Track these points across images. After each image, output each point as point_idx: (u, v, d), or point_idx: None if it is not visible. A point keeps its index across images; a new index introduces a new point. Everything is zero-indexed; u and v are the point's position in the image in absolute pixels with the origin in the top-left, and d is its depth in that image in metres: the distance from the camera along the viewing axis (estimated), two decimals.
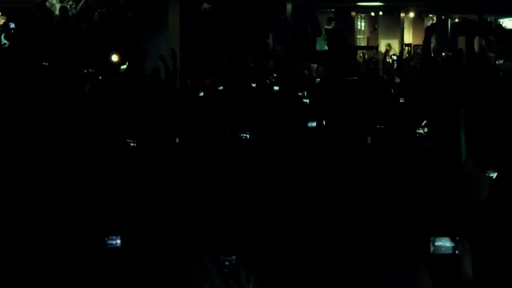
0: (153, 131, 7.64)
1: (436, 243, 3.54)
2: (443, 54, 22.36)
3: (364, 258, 3.61)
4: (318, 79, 11.98)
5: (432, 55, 21.80)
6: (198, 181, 5.61)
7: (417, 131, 7.48)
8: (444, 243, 3.54)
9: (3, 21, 15.72)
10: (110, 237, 4.04)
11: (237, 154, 6.60)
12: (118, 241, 4.03)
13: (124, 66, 14.89)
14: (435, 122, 7.35)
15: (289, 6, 22.48)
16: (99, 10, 17.24)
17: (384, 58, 23.10)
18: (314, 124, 7.24)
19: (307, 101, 9.23)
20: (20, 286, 4.12)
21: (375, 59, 21.92)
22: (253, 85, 12.26)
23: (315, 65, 17.78)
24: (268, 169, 5.75)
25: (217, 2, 19.88)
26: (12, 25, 15.03)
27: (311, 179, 5.40)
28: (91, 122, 8.12)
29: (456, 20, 31.93)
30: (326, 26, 21.97)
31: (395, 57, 23.84)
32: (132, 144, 6.58)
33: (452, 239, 3.54)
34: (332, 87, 9.99)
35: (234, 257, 2.78)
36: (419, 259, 2.80)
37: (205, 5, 19.70)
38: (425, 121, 7.41)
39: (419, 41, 30.07)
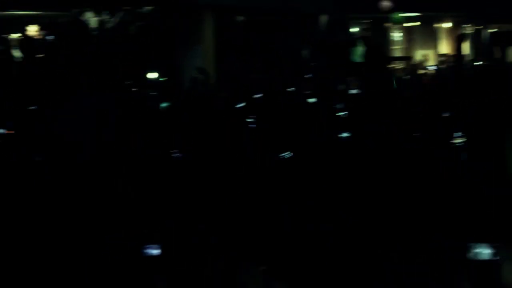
0: (189, 142, 7.66)
1: (475, 250, 3.53)
2: (477, 63, 22.19)
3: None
4: (355, 90, 11.93)
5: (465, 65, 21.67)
6: (234, 190, 5.62)
7: (452, 141, 7.44)
8: (483, 250, 3.53)
9: (41, 34, 15.89)
10: (149, 245, 4.07)
11: (272, 164, 6.59)
12: (158, 250, 4.06)
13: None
14: (469, 132, 7.30)
15: (323, 18, 22.46)
16: (134, 24, 17.36)
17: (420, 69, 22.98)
18: (347, 135, 7.23)
19: (342, 113, 9.20)
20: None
21: (412, 70, 21.81)
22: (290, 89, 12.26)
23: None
24: (299, 178, 5.75)
25: (251, 15, 19.93)
26: (51, 38, 15.20)
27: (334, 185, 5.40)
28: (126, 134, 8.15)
29: (494, 30, 31.68)
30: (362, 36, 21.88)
31: (432, 68, 23.70)
32: (175, 155, 6.65)
33: (492, 246, 3.52)
34: (367, 98, 9.95)
35: (263, 267, 2.79)
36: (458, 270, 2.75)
37: (239, 18, 19.76)
38: (459, 132, 7.36)
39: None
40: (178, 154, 6.69)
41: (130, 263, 4.11)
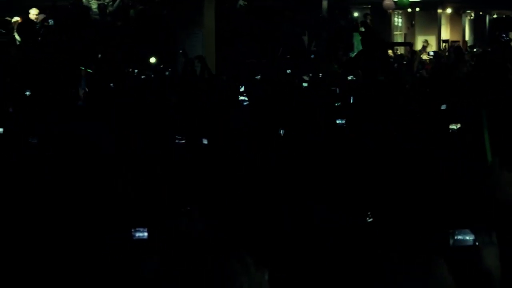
0: (189, 128, 7.69)
1: (456, 236, 3.54)
2: (474, 50, 22.16)
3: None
4: (351, 77, 11.97)
5: (467, 51, 21.61)
6: (226, 177, 5.66)
7: (450, 127, 7.47)
8: (464, 236, 3.53)
9: (42, 18, 15.88)
10: (136, 228, 4.02)
11: (266, 150, 6.62)
12: (145, 233, 4.01)
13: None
14: (463, 119, 7.34)
15: (324, 3, 22.45)
16: (134, 8, 17.39)
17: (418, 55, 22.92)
18: (343, 121, 7.27)
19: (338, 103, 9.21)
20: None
21: (409, 57, 21.76)
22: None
23: None
24: (295, 166, 5.77)
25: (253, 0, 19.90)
26: (51, 22, 15.21)
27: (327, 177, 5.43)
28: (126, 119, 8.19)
29: (495, 16, 31.67)
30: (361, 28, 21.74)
31: (432, 54, 23.68)
32: (179, 142, 6.64)
33: (472, 231, 3.53)
34: (363, 86, 9.97)
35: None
36: (436, 258, 2.80)
37: (241, 2, 19.74)
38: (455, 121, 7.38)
39: (457, 37, 29.88)
40: (179, 140, 6.71)
41: (116, 246, 4.12)
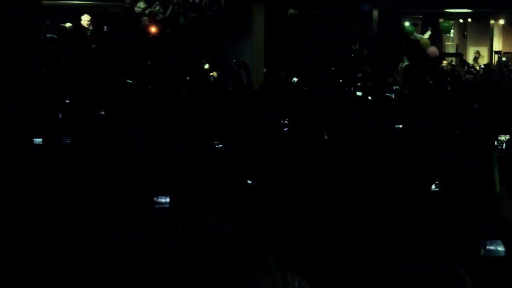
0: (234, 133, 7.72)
1: (487, 246, 3.54)
2: None
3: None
4: (396, 86, 11.96)
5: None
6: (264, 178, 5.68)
7: (499, 138, 7.41)
8: (496, 247, 3.53)
9: (92, 24, 16.12)
10: (159, 196, 4.06)
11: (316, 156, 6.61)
12: (167, 200, 3.96)
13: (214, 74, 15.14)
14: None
15: (375, 12, 22.40)
16: (183, 16, 17.54)
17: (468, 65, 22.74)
18: (400, 126, 7.26)
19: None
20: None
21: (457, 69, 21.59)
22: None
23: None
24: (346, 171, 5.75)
25: (302, 8, 19.93)
26: (105, 29, 15.45)
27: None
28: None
29: None
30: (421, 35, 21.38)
31: (483, 65, 23.50)
32: (218, 146, 6.68)
33: (503, 242, 3.53)
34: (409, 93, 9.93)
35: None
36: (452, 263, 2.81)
37: (291, 11, 19.80)
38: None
39: (510, 49, 29.55)
40: (219, 145, 6.76)
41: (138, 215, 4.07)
